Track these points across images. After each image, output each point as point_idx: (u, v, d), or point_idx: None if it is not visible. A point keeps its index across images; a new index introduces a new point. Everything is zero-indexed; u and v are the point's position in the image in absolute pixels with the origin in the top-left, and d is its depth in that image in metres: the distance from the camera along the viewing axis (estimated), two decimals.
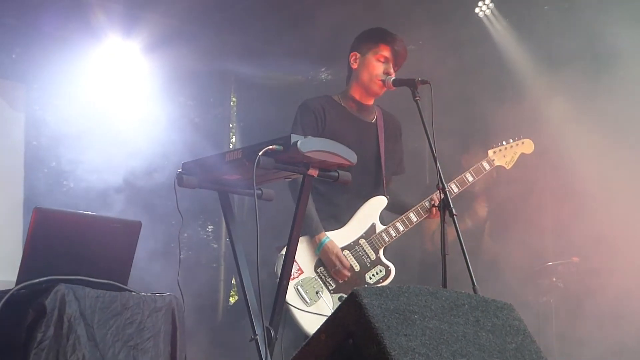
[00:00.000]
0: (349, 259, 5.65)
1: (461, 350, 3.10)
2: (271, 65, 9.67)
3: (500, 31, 8.80)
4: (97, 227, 4.58)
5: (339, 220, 5.78)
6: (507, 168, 6.24)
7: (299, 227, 4.52)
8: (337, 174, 4.40)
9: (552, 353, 7.77)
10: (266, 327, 4.32)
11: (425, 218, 5.85)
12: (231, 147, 9.87)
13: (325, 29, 8.26)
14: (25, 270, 4.27)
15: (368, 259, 5.73)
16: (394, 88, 5.61)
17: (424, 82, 5.17)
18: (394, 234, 5.78)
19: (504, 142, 6.23)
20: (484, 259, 8.10)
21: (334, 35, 8.07)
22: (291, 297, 5.37)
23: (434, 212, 5.79)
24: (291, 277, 5.31)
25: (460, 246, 4.72)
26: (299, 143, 4.04)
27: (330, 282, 5.61)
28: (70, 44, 8.04)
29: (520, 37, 8.68)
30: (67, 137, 8.02)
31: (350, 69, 6.01)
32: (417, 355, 2.95)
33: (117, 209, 7.40)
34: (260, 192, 4.59)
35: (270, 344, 4.28)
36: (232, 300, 9.86)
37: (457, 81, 8.42)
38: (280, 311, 4.49)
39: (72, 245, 4.43)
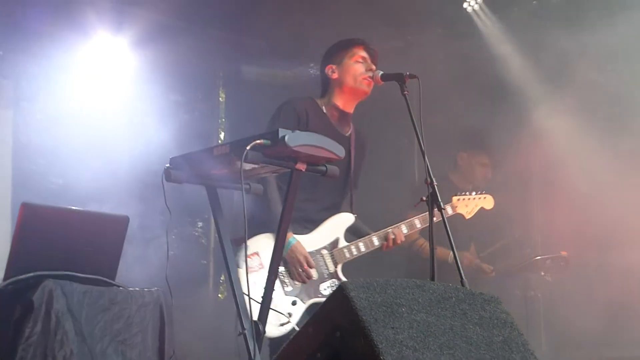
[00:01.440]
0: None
1: (448, 343, 3.11)
2: (259, 61, 9.66)
3: (489, 26, 8.80)
4: (84, 223, 4.58)
5: (304, 226, 5.84)
6: (467, 218, 6.39)
7: (287, 221, 4.51)
8: (325, 168, 4.39)
9: (540, 347, 7.79)
10: (254, 322, 4.32)
11: (384, 245, 5.97)
12: (220, 142, 9.86)
13: (314, 25, 8.26)
14: (13, 265, 4.27)
15: (327, 270, 5.81)
16: (382, 83, 5.61)
17: (412, 76, 5.16)
18: (355, 253, 5.89)
19: (468, 193, 6.39)
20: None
21: (323, 31, 8.07)
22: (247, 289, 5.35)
23: (388, 245, 5.95)
24: (251, 269, 5.34)
25: (448, 240, 4.73)
26: (286, 137, 4.03)
27: (287, 283, 5.65)
28: (58, 40, 8.00)
29: (509, 32, 8.69)
30: (55, 134, 8.00)
31: (328, 82, 6.05)
32: (404, 348, 2.95)
33: (104, 205, 7.37)
34: (248, 186, 4.59)
35: (258, 338, 4.28)
36: (220, 296, 9.85)
37: (445, 76, 8.42)
38: (268, 306, 4.49)
39: (60, 241, 4.43)
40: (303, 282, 5.68)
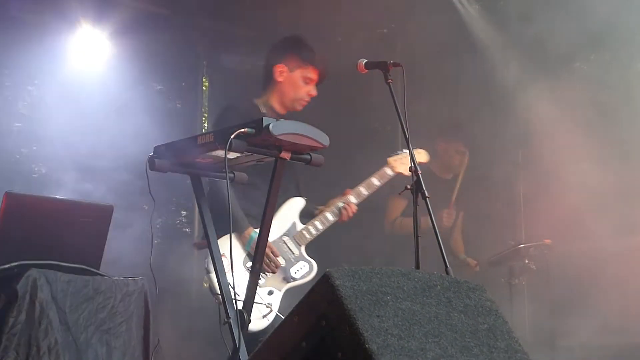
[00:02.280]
0: None
1: (433, 331, 3.11)
2: (243, 50, 9.64)
3: (472, 15, 8.80)
4: (68, 212, 4.57)
5: (259, 220, 5.83)
6: (406, 175, 6.19)
7: (272, 212, 4.53)
8: (309, 157, 4.39)
9: (524, 335, 7.82)
10: (239, 311, 4.32)
11: (339, 219, 6.16)
12: (203, 131, 9.84)
13: (298, 13, 8.24)
14: None
15: (292, 255, 5.96)
16: (366, 71, 5.59)
17: (396, 64, 5.16)
18: (314, 232, 6.06)
19: (403, 150, 6.42)
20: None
21: (309, 19, 8.06)
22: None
23: (344, 216, 6.15)
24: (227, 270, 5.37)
25: (432, 228, 4.74)
26: (271, 126, 4.03)
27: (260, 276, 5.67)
28: (40, 28, 7.96)
29: (493, 22, 8.69)
30: (39, 123, 7.97)
31: (272, 80, 6.18)
32: (389, 336, 2.95)
33: (89, 194, 7.35)
34: (232, 175, 4.60)
35: (243, 327, 4.28)
36: (205, 285, 9.84)
37: (429, 65, 8.43)
38: (253, 295, 4.50)
39: (44, 230, 4.42)
40: (273, 271, 5.80)
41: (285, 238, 5.98)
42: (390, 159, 6.39)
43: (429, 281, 3.34)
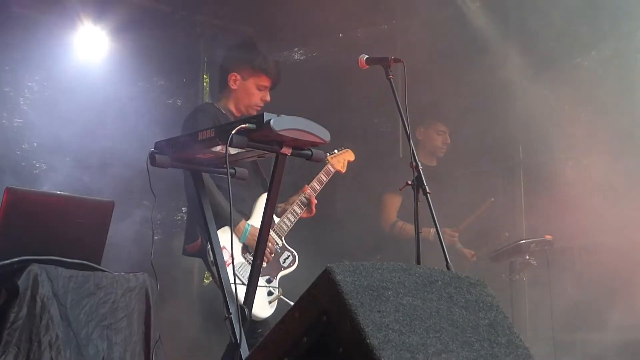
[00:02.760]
0: None
1: (435, 326, 3.11)
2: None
3: (474, 11, 8.79)
4: (69, 207, 4.57)
5: (243, 213, 6.14)
6: (343, 172, 6.76)
7: (272, 207, 4.52)
8: (310, 152, 4.39)
9: (524, 330, 7.82)
10: (240, 306, 4.33)
11: (305, 212, 6.43)
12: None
13: (298, 10, 8.24)
14: None
15: (277, 246, 6.22)
16: (367, 67, 5.60)
17: (397, 60, 5.17)
18: (289, 224, 6.31)
19: (335, 150, 6.67)
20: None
21: (309, 15, 8.06)
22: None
23: (312, 209, 6.40)
24: (227, 263, 5.40)
25: (433, 223, 4.75)
26: (272, 121, 4.03)
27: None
28: (41, 24, 7.97)
29: (494, 17, 8.68)
30: (40, 119, 7.97)
31: (226, 87, 6.40)
32: (390, 331, 2.95)
33: (89, 190, 7.36)
34: (233, 171, 4.60)
35: (244, 322, 4.29)
36: (206, 281, 9.85)
37: (430, 60, 8.43)
38: (254, 290, 4.50)
39: (45, 226, 4.42)
40: (268, 260, 6.05)
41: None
42: (329, 157, 6.61)
43: (430, 276, 3.34)
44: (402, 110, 4.97)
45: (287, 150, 4.27)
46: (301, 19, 8.34)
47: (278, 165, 4.37)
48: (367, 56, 5.52)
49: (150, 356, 4.58)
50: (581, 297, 7.60)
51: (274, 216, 6.14)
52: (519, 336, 3.34)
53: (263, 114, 4.07)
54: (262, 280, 5.89)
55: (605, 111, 8.01)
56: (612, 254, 7.62)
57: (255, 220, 6.05)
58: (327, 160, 6.60)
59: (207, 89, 9.99)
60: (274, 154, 4.33)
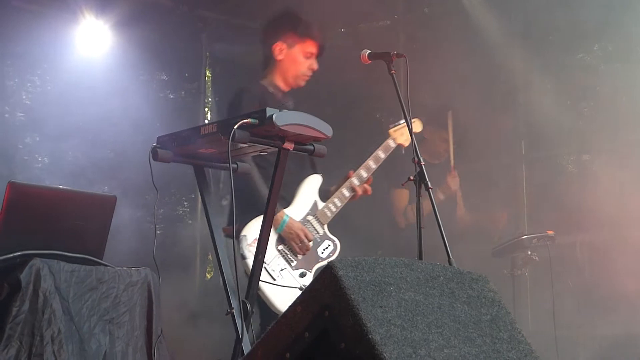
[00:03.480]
0: None
1: (437, 322, 3.11)
2: (246, 40, 9.63)
3: (475, 5, 8.78)
4: (71, 202, 4.57)
5: (284, 199, 5.90)
6: (405, 146, 6.36)
7: (274, 202, 4.51)
8: (312, 148, 4.39)
9: (526, 326, 7.82)
10: (242, 301, 4.32)
11: (353, 195, 6.09)
12: (206, 122, 9.84)
13: (300, 4, 8.23)
14: (0, 245, 4.25)
15: (318, 235, 5.95)
16: (369, 62, 5.59)
17: (399, 55, 5.17)
18: (334, 209, 6.01)
19: (401, 121, 6.26)
20: (459, 231, 8.13)
21: (311, 10, 8.04)
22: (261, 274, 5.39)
23: (359, 191, 6.07)
24: None
25: (435, 219, 4.74)
26: (274, 116, 4.03)
27: (292, 258, 5.73)
28: (43, 18, 7.97)
29: (495, 12, 8.67)
30: (42, 113, 7.97)
31: (272, 60, 6.16)
32: (392, 326, 2.95)
33: (92, 184, 7.37)
34: (235, 166, 4.59)
35: (246, 317, 4.29)
36: (208, 276, 9.86)
37: (431, 55, 8.42)
38: (256, 285, 4.50)
39: (47, 220, 4.42)
40: (304, 253, 5.80)
41: (310, 217, 5.95)
42: (391, 130, 6.33)
43: (432, 272, 3.34)
44: (404, 106, 4.97)
45: (289, 145, 4.27)
46: (303, 13, 8.32)
47: (280, 161, 4.37)
48: (369, 51, 5.50)
49: (152, 350, 4.59)
50: (583, 292, 7.61)
51: (318, 201, 6.00)
52: (520, 332, 3.34)
53: (265, 109, 4.07)
54: (296, 274, 5.73)
55: (608, 106, 8.01)
56: (614, 249, 7.63)
57: (296, 207, 5.92)
58: (389, 133, 6.31)
59: (209, 83, 9.99)
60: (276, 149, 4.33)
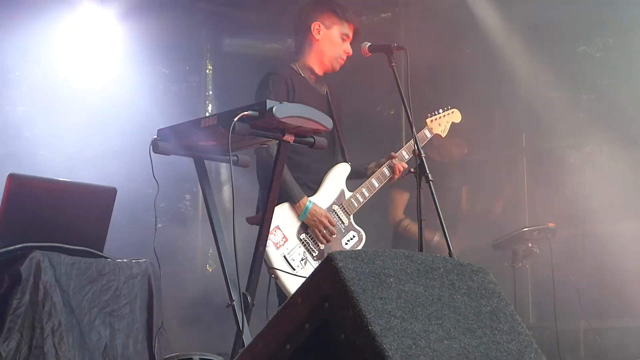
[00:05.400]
0: None
1: (437, 313, 3.11)
2: (248, 33, 9.63)
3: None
4: (72, 194, 4.58)
5: (311, 187, 5.75)
6: (443, 136, 6.28)
7: (275, 193, 4.50)
8: (312, 140, 4.39)
9: (527, 319, 7.83)
10: (243, 293, 4.32)
11: (387, 182, 5.88)
12: (207, 114, 9.84)
13: None
14: (0, 237, 4.26)
15: (342, 225, 5.74)
16: (370, 54, 5.57)
17: (399, 48, 5.16)
18: (361, 200, 5.79)
19: (440, 111, 6.20)
20: (461, 223, 8.14)
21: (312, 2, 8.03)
22: (280, 264, 5.34)
23: (395, 178, 5.86)
24: (277, 244, 5.33)
25: (436, 211, 4.74)
26: (274, 109, 4.02)
27: (313, 248, 5.58)
28: (42, 8, 7.96)
29: (497, 4, 8.67)
30: (42, 105, 7.97)
31: (307, 39, 5.94)
32: (392, 318, 2.95)
33: (92, 176, 7.36)
34: (236, 158, 4.59)
35: (247, 309, 4.29)
36: (209, 268, 9.87)
37: (433, 48, 8.41)
38: (256, 277, 4.49)
39: (47, 212, 4.43)
40: (328, 241, 5.61)
41: (335, 207, 5.74)
42: (428, 120, 6.17)
43: (432, 263, 3.33)
44: (404, 98, 4.96)
45: (289, 138, 4.26)
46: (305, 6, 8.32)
47: (280, 153, 4.37)
48: (369, 44, 5.50)
49: (153, 343, 4.60)
50: (584, 285, 7.61)
51: (345, 190, 5.80)
52: (521, 323, 3.33)
53: (266, 101, 4.06)
54: (316, 265, 5.58)
55: (608, 99, 8.01)
56: (615, 241, 7.63)
57: (322, 195, 5.71)
58: (425, 123, 6.14)
59: (210, 76, 10.00)
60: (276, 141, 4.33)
